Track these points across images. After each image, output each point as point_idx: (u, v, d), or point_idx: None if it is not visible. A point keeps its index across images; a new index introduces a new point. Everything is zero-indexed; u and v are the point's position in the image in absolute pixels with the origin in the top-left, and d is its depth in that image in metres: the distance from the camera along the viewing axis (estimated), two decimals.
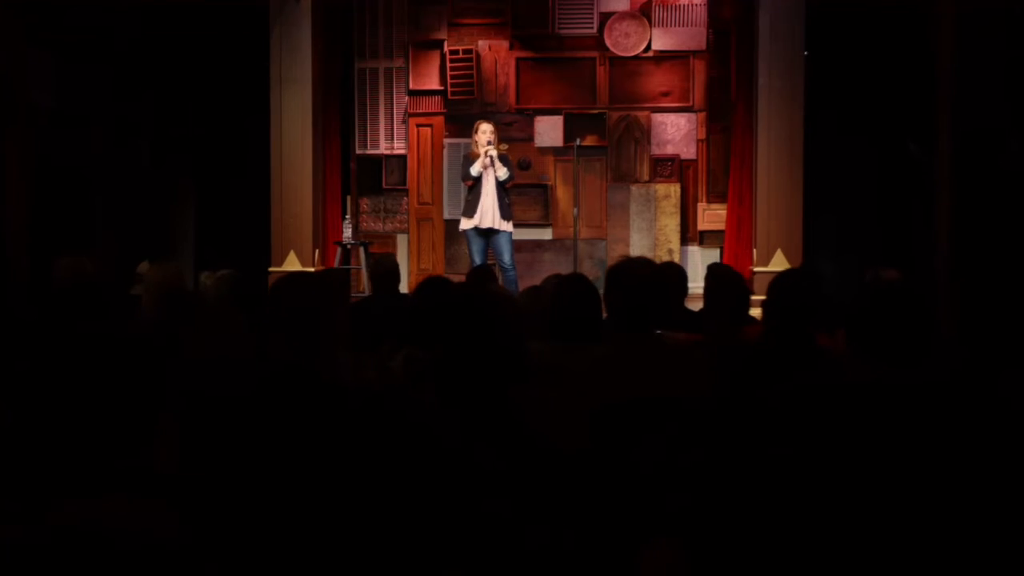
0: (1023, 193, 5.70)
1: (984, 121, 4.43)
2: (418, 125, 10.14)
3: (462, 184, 8.86)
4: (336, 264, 8.77)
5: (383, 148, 10.18)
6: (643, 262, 3.57)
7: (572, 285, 3.67)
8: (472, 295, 2.79)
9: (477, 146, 8.34)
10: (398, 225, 10.23)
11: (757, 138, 8.56)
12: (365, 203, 10.22)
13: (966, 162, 4.35)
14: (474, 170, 8.11)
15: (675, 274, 5.19)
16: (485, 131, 8.19)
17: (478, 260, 8.04)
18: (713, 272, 4.95)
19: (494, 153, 8.13)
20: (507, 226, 8.19)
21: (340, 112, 9.72)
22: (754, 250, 8.57)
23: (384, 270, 5.86)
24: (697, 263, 9.47)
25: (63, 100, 8.67)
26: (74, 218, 8.94)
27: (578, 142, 8.58)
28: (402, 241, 10.20)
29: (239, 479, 2.20)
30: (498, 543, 1.97)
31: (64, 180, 8.77)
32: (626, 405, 2.76)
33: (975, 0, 4.50)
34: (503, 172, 8.25)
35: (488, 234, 8.18)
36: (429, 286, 4.45)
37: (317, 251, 8.81)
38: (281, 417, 2.38)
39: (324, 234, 9.11)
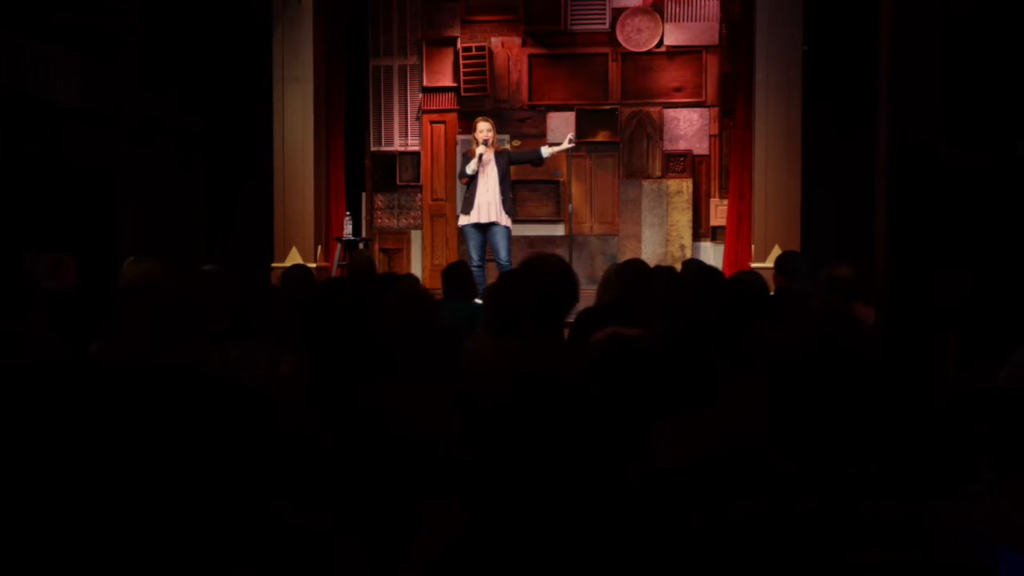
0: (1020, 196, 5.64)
1: (920, 121, 4.40)
2: (432, 122, 10.24)
3: (459, 182, 8.90)
4: (336, 260, 8.87)
5: (397, 145, 10.29)
6: (553, 260, 3.60)
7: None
8: (341, 296, 2.86)
9: (476, 144, 8.32)
10: (412, 221, 10.33)
11: (755, 134, 8.49)
12: (380, 199, 10.34)
13: (904, 161, 4.32)
14: (470, 168, 8.09)
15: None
16: (482, 129, 8.15)
17: (475, 256, 8.04)
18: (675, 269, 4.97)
19: (482, 150, 8.09)
20: (506, 220, 8.12)
21: (346, 110, 9.79)
22: (752, 246, 8.49)
23: (356, 268, 5.95)
24: (709, 259, 9.40)
25: (88, 99, 8.85)
26: (101, 217, 9.13)
27: (570, 137, 8.56)
28: (416, 237, 10.30)
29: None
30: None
31: (89, 179, 8.96)
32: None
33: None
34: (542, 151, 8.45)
35: (486, 229, 8.12)
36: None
37: (319, 247, 8.92)
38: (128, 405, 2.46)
39: (328, 230, 9.20)
